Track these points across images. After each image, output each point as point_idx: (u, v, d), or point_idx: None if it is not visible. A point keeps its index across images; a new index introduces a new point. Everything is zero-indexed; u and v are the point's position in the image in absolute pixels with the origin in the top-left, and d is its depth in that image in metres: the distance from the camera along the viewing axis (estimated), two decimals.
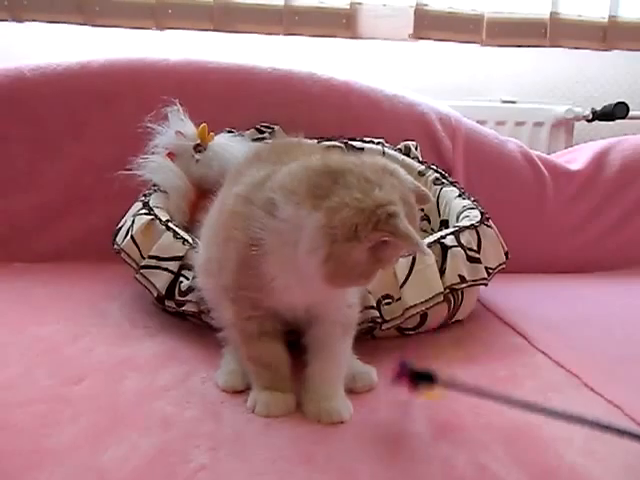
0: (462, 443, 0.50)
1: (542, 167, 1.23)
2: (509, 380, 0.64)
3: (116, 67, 1.16)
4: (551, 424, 0.53)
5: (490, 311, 0.90)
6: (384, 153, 1.07)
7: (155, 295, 0.78)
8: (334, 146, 1.09)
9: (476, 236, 0.81)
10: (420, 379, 0.44)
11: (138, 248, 0.80)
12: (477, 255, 0.79)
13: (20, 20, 1.28)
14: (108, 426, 0.51)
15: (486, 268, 0.80)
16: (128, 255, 0.81)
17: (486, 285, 0.81)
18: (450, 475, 0.41)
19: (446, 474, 0.45)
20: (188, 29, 1.31)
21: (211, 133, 0.96)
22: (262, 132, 1.11)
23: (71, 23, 1.29)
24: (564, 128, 1.47)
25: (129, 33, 1.32)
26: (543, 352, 0.73)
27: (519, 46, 1.41)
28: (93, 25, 1.29)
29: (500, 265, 0.84)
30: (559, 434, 0.52)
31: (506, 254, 0.86)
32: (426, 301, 0.73)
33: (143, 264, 0.78)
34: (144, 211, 0.84)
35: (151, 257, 0.78)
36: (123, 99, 1.12)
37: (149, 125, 0.93)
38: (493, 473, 0.45)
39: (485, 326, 0.84)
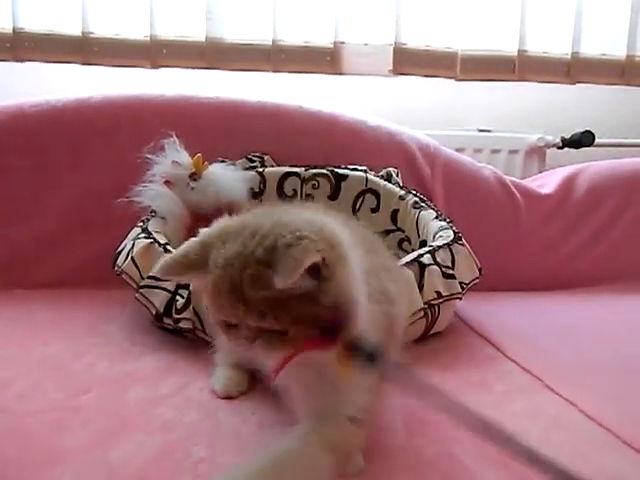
0: (434, 437, 0.55)
1: (515, 191, 1.31)
2: (480, 384, 0.71)
3: (114, 102, 1.23)
4: (516, 421, 0.60)
5: (467, 325, 0.97)
6: (367, 179, 1.15)
7: (154, 313, 0.83)
8: (321, 174, 1.17)
9: (450, 254, 0.88)
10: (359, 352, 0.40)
11: (138, 269, 0.86)
12: (451, 271, 0.86)
13: (21, 60, 1.36)
14: (115, 430, 0.56)
15: (460, 283, 0.87)
16: (129, 276, 0.86)
17: (460, 299, 0.88)
18: (421, 463, 0.46)
19: (417, 463, 0.51)
20: (181, 67, 1.40)
21: (205, 162, 1.03)
22: (253, 161, 1.18)
23: (70, 63, 1.38)
24: (537, 155, 1.57)
25: (125, 72, 1.40)
26: (513, 360, 0.79)
27: (490, 80, 1.51)
28: (91, 64, 1.38)
29: (473, 280, 0.91)
30: (521, 427, 0.57)
31: (479, 270, 0.93)
32: (408, 318, 0.79)
33: (142, 284, 0.84)
34: (143, 235, 0.91)
35: (150, 277, 0.84)
36: (121, 132, 1.19)
37: (147, 156, 1.00)
38: (460, 461, 0.51)
39: (461, 338, 0.91)
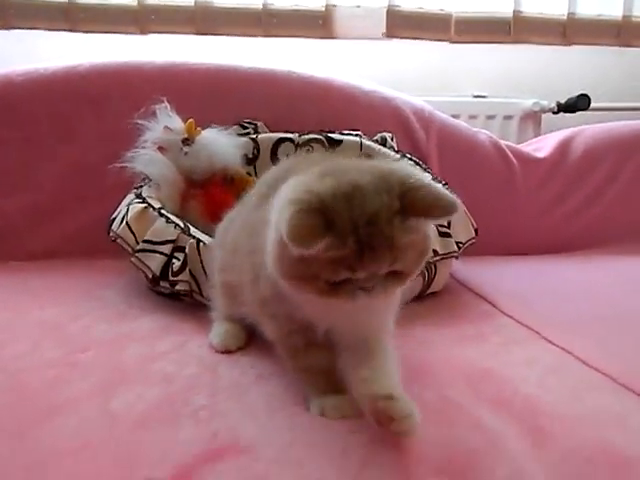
0: (431, 383, 0.56)
1: (511, 155, 1.31)
2: (476, 337, 0.71)
3: (103, 70, 1.21)
4: (513, 369, 0.60)
5: (463, 285, 0.97)
6: (362, 144, 1.14)
7: (150, 276, 0.83)
8: (315, 139, 1.16)
9: None
10: None
11: (133, 234, 0.85)
12: (447, 230, 0.86)
13: (8, 28, 1.33)
14: (114, 382, 0.56)
15: (456, 243, 0.87)
16: (124, 241, 0.86)
17: (457, 258, 0.88)
18: (419, 406, 0.46)
19: (417, 406, 0.51)
20: (171, 33, 1.37)
21: (198, 128, 1.01)
22: (245, 127, 1.17)
23: (57, 30, 1.35)
24: (532, 120, 1.56)
25: (114, 38, 1.37)
26: (509, 315, 0.80)
27: (485, 42, 1.49)
28: (78, 31, 1.35)
29: (470, 240, 0.91)
30: (518, 374, 0.58)
31: (475, 231, 0.93)
32: None
33: (138, 248, 0.84)
34: (138, 200, 0.90)
35: (145, 241, 0.84)
36: (111, 100, 1.17)
37: (138, 122, 0.98)
38: (456, 403, 0.52)
39: (457, 297, 0.91)
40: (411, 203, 0.44)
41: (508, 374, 0.58)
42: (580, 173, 1.32)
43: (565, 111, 1.54)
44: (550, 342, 0.68)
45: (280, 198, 0.47)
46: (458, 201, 0.45)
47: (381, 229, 0.44)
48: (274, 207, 0.48)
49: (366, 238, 0.43)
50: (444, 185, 1.00)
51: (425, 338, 0.69)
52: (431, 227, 0.50)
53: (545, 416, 0.48)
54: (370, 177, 0.46)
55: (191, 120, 1.01)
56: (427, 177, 0.49)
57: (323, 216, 0.43)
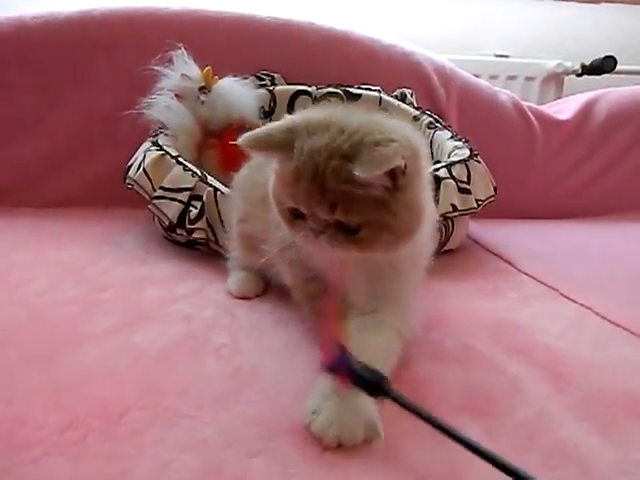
0: (451, 332, 0.56)
1: (532, 117, 1.27)
2: (494, 292, 0.71)
3: (118, 14, 1.17)
4: (532, 321, 0.60)
5: (479, 244, 0.97)
6: (381, 99, 1.12)
7: (167, 224, 0.83)
8: (333, 92, 1.13)
9: (466, 170, 0.87)
10: (363, 385, 0.38)
11: (150, 180, 0.85)
12: (467, 186, 0.85)
13: None
14: (135, 320, 0.57)
15: (476, 200, 0.86)
16: (141, 187, 0.85)
17: (475, 214, 0.87)
18: (441, 353, 0.47)
19: (437, 353, 0.51)
20: None
21: (215, 76, 0.99)
22: (262, 79, 1.14)
23: None
24: (554, 82, 1.51)
25: None
26: (526, 273, 0.80)
27: None
28: None
29: (489, 198, 0.90)
30: (538, 327, 0.58)
31: (495, 189, 0.92)
32: None
33: (155, 195, 0.83)
34: (155, 148, 0.89)
35: (162, 188, 0.83)
36: (126, 45, 1.14)
37: (154, 68, 0.96)
38: (477, 350, 0.52)
39: (474, 255, 0.91)
40: (357, 152, 0.42)
41: (528, 325, 0.58)
42: (602, 137, 1.29)
43: (589, 73, 1.49)
44: (569, 298, 0.68)
45: None
46: (366, 172, 0.41)
47: (317, 164, 0.43)
48: None
49: (302, 168, 0.44)
50: (465, 142, 0.98)
51: (443, 291, 0.69)
52: (426, 199, 0.47)
53: (566, 364, 0.48)
54: (355, 121, 0.45)
55: (208, 68, 0.98)
56: (414, 144, 0.45)
57: (286, 136, 0.45)
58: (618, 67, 1.46)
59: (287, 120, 0.48)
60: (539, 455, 0.37)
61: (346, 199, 0.43)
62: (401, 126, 0.48)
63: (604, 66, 1.45)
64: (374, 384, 0.38)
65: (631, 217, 1.21)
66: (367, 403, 0.40)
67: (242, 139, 0.47)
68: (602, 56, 1.46)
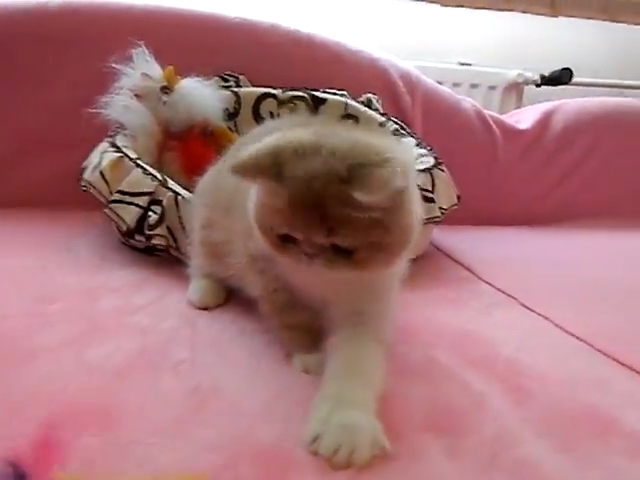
0: (415, 343, 0.56)
1: (493, 126, 1.30)
2: (456, 301, 0.72)
3: (75, 9, 1.13)
4: (494, 332, 0.61)
5: (441, 251, 0.98)
6: (347, 104, 1.11)
7: (125, 229, 0.80)
8: (298, 96, 1.12)
9: (430, 178, 0.87)
10: None
11: (107, 183, 0.81)
12: (431, 195, 0.85)
13: None
14: (88, 333, 0.54)
15: (439, 208, 0.87)
16: (97, 190, 0.82)
17: (438, 223, 0.88)
18: (405, 367, 0.46)
19: (402, 366, 0.51)
20: None
21: (178, 76, 0.96)
22: (227, 80, 1.12)
23: None
24: (515, 91, 1.56)
25: None
26: (487, 282, 0.81)
27: (475, 7, 1.46)
28: None
29: (452, 206, 0.91)
30: (499, 338, 0.59)
31: (458, 197, 0.93)
32: None
33: (112, 199, 0.80)
34: (112, 149, 0.85)
35: (120, 192, 0.80)
36: (83, 42, 1.10)
37: (113, 66, 0.93)
38: (440, 363, 0.52)
39: (437, 263, 0.91)
40: (355, 176, 0.42)
41: (489, 336, 0.59)
42: (559, 147, 1.33)
43: (548, 84, 1.54)
44: (528, 308, 0.69)
45: None
46: (369, 197, 0.41)
47: (315, 190, 0.42)
48: None
49: (299, 195, 0.42)
50: (429, 150, 0.99)
51: (406, 299, 0.69)
52: (415, 221, 0.47)
53: (527, 377, 0.49)
54: (345, 142, 0.44)
55: (170, 67, 0.96)
56: (404, 161, 0.45)
57: (274, 162, 0.43)
58: (574, 79, 1.51)
59: (269, 144, 0.45)
60: (502, 475, 0.37)
61: (345, 223, 0.42)
62: (390, 143, 0.47)
63: (561, 77, 1.49)
64: None
65: (587, 224, 1.24)
66: (368, 418, 0.40)
67: (232, 165, 0.44)
68: (560, 68, 1.51)
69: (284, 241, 0.45)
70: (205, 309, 0.64)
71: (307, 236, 0.43)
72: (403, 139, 1.06)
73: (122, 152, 0.84)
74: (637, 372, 0.53)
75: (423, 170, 0.88)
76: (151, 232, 0.78)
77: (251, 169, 0.44)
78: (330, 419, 0.40)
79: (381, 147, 0.44)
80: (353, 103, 1.12)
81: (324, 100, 1.12)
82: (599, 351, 0.57)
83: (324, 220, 0.42)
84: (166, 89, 0.95)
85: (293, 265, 0.46)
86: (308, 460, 0.38)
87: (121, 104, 0.91)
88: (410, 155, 0.50)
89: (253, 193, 0.48)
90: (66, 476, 0.34)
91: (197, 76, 1.04)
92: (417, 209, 0.48)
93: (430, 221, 0.85)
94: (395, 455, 0.35)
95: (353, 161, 0.42)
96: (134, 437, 0.37)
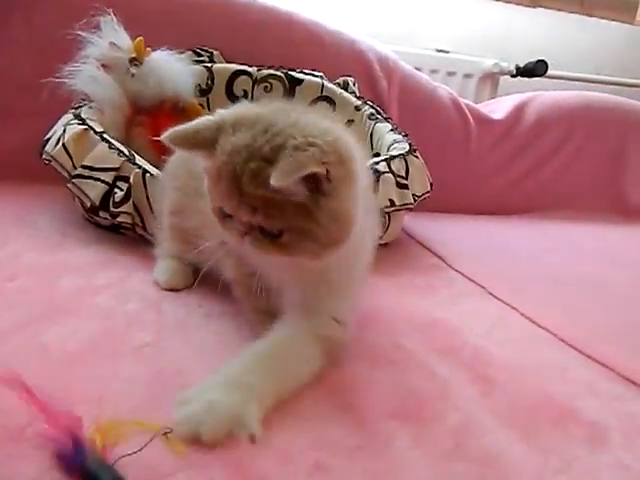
0: (384, 330, 0.56)
1: (468, 114, 1.30)
2: (425, 288, 0.72)
3: None
4: (461, 320, 0.61)
5: (413, 239, 0.98)
6: (323, 86, 1.09)
7: (89, 205, 0.76)
8: (274, 75, 1.10)
9: (404, 164, 0.87)
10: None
11: (70, 157, 0.78)
12: (405, 182, 0.85)
13: None
14: (46, 314, 0.52)
15: (413, 195, 0.86)
16: (59, 164, 0.78)
17: (411, 210, 0.88)
18: (372, 354, 0.46)
19: (369, 353, 0.51)
20: None
21: (148, 48, 0.92)
22: (200, 55, 1.08)
23: None
24: (490, 81, 1.56)
25: None
26: (457, 270, 0.81)
27: None
28: None
29: (425, 194, 0.91)
30: (466, 326, 0.59)
31: (431, 185, 0.93)
32: None
33: (75, 173, 0.77)
34: (76, 121, 0.81)
35: (84, 167, 0.77)
36: (46, 6, 1.04)
37: (78, 33, 0.88)
38: (409, 351, 0.52)
39: (407, 250, 0.92)
40: (274, 155, 0.41)
41: (457, 325, 0.59)
42: (531, 138, 1.34)
43: (523, 75, 1.55)
44: (496, 297, 0.70)
45: None
46: (278, 181, 0.39)
47: (234, 166, 0.42)
48: None
49: (223, 168, 0.43)
50: (404, 136, 0.98)
51: (376, 285, 0.69)
52: (354, 212, 0.44)
53: (492, 366, 0.49)
54: (282, 121, 0.43)
55: (140, 38, 0.91)
56: (341, 148, 0.43)
57: (212, 134, 0.43)
58: (549, 71, 1.53)
59: (216, 115, 0.46)
60: (464, 464, 0.37)
61: (266, 204, 0.42)
62: (332, 128, 0.45)
63: (536, 69, 1.50)
64: None
65: (554, 216, 1.27)
66: (246, 403, 0.39)
67: (166, 135, 0.44)
68: (535, 59, 1.52)
69: (224, 215, 0.45)
70: (171, 290, 0.62)
71: (234, 212, 0.43)
72: (378, 124, 1.05)
73: (87, 125, 0.81)
74: (598, 362, 0.55)
75: (397, 156, 0.88)
76: (116, 209, 0.75)
77: (188, 139, 0.44)
78: (206, 392, 0.40)
79: (318, 130, 0.43)
80: (329, 85, 1.10)
81: (300, 81, 1.10)
82: (562, 341, 0.58)
83: (243, 198, 0.42)
84: (135, 61, 0.91)
85: (230, 240, 0.46)
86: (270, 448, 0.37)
87: (87, 74, 0.87)
88: (356, 145, 0.48)
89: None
90: (99, 428, 0.35)
91: (169, 49, 1.00)
92: (360, 201, 0.45)
93: (403, 207, 0.85)
94: (361, 442, 0.35)
95: (279, 140, 0.41)
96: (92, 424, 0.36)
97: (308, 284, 0.48)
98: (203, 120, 0.45)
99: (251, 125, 0.43)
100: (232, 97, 1.08)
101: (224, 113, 0.46)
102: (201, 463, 0.35)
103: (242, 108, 0.47)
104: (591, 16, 1.54)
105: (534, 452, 0.39)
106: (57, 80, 0.85)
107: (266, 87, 1.10)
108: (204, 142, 0.43)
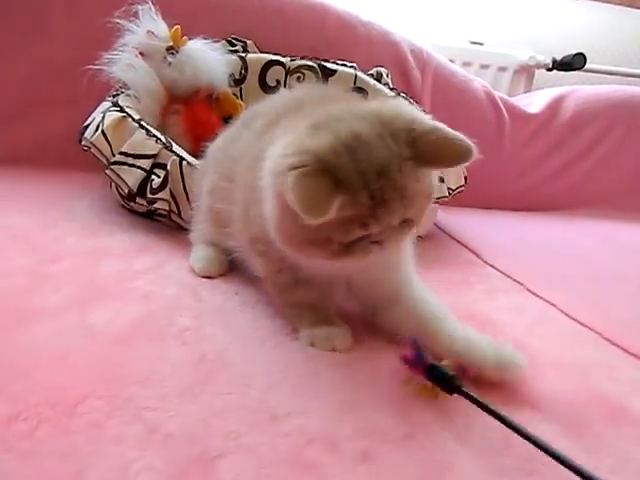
0: None
1: (503, 108, 1.28)
2: (462, 284, 0.71)
3: None
4: (500, 315, 0.60)
5: (445, 233, 0.97)
6: (356, 77, 1.08)
7: (126, 192, 0.77)
8: (307, 66, 1.09)
9: None
10: (438, 379, 0.41)
11: (109, 144, 0.79)
12: (441, 175, 0.84)
13: None
14: (91, 296, 0.53)
15: (448, 188, 0.85)
16: (98, 150, 0.79)
17: (446, 201, 0.86)
18: None
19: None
20: None
21: (184, 37, 0.93)
22: (234, 45, 1.08)
23: None
24: (525, 74, 1.52)
25: None
26: (492, 265, 0.80)
27: None
28: None
29: (459, 187, 0.89)
30: (506, 321, 0.58)
31: (465, 179, 0.91)
32: None
33: (114, 160, 0.78)
34: (115, 109, 0.82)
35: (122, 154, 0.77)
36: None
37: (117, 21, 0.89)
38: None
39: (441, 245, 0.90)
40: (424, 150, 0.42)
41: (496, 319, 0.58)
42: (568, 133, 1.31)
43: (559, 69, 1.51)
44: (534, 294, 0.69)
45: (273, 159, 0.44)
46: (473, 145, 0.44)
47: (394, 180, 0.41)
48: (267, 168, 0.45)
49: (379, 191, 0.41)
50: None
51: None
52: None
53: (537, 361, 0.48)
54: (368, 124, 0.43)
55: (177, 27, 0.92)
56: (429, 119, 0.46)
57: (329, 176, 0.40)
58: (587, 65, 1.48)
59: (309, 164, 0.40)
60: (513, 460, 0.36)
61: (415, 197, 0.43)
62: (395, 105, 0.48)
63: (574, 63, 1.46)
64: (448, 381, 0.41)
65: (592, 213, 1.24)
66: None
67: (307, 215, 0.39)
68: (572, 53, 1.48)
69: (347, 245, 0.43)
70: (208, 278, 0.63)
71: (388, 224, 0.43)
72: None
73: (125, 112, 0.82)
74: None
75: None
76: (153, 196, 0.76)
77: (322, 203, 0.39)
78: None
79: (405, 114, 0.44)
80: (363, 76, 1.09)
81: (334, 71, 1.09)
82: (606, 339, 0.56)
83: (404, 203, 0.42)
84: (172, 49, 0.91)
85: (353, 262, 0.45)
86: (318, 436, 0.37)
87: (125, 62, 0.88)
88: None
89: (270, 212, 0.45)
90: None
91: (204, 38, 1.00)
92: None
93: (437, 201, 0.84)
94: (408, 430, 0.34)
95: (407, 136, 0.42)
96: (141, 402, 0.36)
97: (386, 265, 0.50)
98: (305, 181, 0.40)
99: (361, 143, 0.42)
100: (265, 87, 1.08)
101: (307, 158, 0.41)
102: (249, 450, 0.35)
103: (309, 139, 0.42)
104: (633, 7, 1.49)
105: (585, 450, 0.38)
106: (96, 68, 0.86)
107: (299, 77, 1.09)
108: (332, 194, 0.40)
